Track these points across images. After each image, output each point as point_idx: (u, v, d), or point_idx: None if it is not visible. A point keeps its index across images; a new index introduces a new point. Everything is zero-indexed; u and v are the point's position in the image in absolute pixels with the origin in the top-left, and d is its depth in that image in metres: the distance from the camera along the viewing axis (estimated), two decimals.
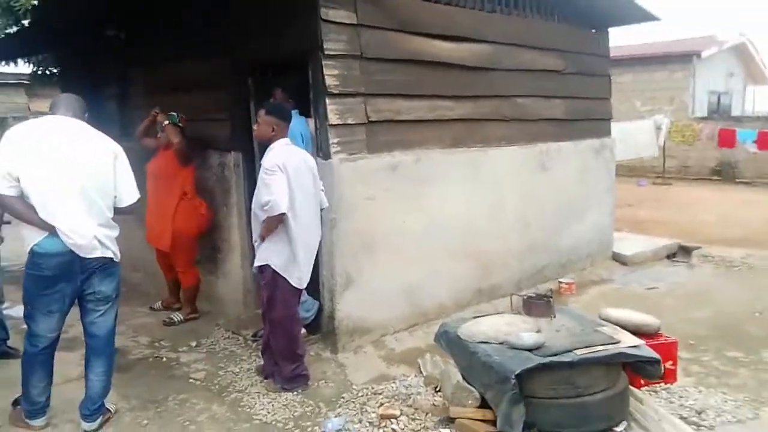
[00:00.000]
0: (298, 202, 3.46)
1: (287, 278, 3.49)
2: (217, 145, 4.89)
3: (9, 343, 3.97)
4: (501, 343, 3.10)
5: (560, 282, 5.56)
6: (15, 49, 7.81)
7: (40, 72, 10.47)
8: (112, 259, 2.97)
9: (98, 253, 2.87)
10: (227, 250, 4.96)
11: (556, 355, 2.91)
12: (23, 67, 11.86)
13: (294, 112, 4.06)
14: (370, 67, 4.16)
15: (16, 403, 3.12)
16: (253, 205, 3.60)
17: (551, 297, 3.57)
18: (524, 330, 3.14)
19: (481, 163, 5.06)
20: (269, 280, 3.52)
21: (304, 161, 3.61)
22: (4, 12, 4.05)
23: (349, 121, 4.09)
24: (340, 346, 4.11)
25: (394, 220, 4.37)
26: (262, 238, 3.51)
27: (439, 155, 4.70)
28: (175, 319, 4.78)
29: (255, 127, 3.62)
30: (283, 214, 3.34)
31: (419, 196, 4.54)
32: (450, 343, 3.40)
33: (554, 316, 3.39)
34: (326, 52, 3.89)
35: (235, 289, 4.95)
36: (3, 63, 11.55)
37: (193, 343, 4.32)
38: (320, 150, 4.07)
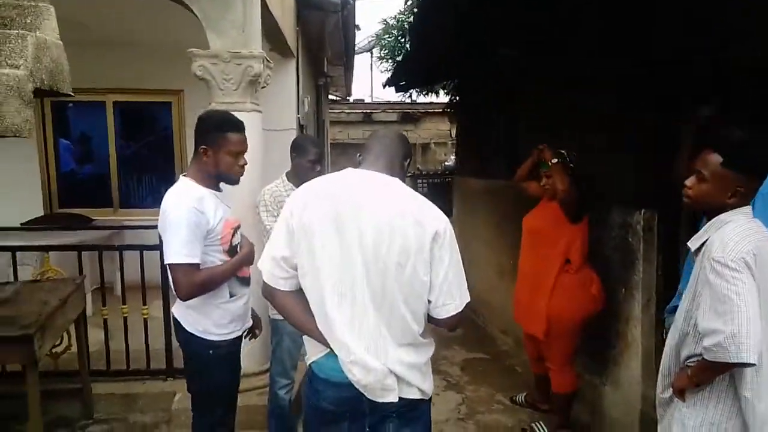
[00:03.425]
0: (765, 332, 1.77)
1: None
2: (618, 197, 3.35)
3: None
4: None
5: None
6: (420, 79, 7.85)
7: (453, 100, 10.76)
8: (418, 398, 1.83)
9: (392, 397, 1.76)
10: (622, 349, 3.36)
11: None
12: (443, 96, 12.73)
13: None
14: None
15: None
16: (678, 316, 1.99)
17: None
18: None
19: None
20: None
21: None
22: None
23: None
24: None
25: None
26: (680, 390, 1.90)
27: None
28: None
29: (689, 183, 1.96)
30: (747, 365, 1.71)
31: None
32: None
33: None
34: None
35: (629, 408, 3.31)
36: (425, 93, 12.46)
37: None
38: None
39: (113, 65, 5.63)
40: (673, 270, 3.16)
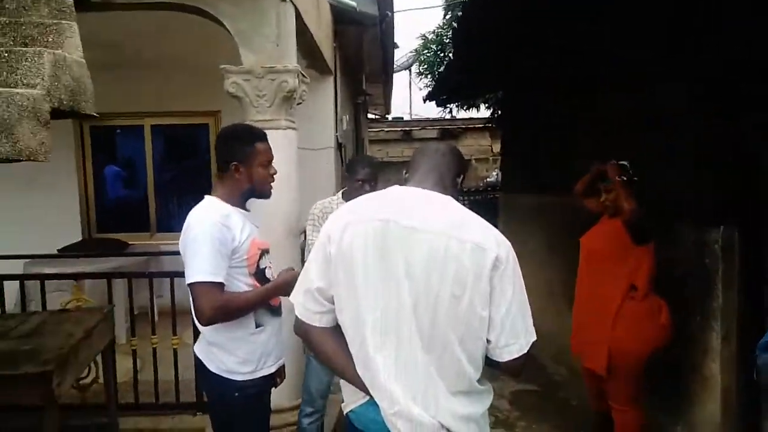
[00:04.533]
0: None
1: None
2: (690, 213, 3.00)
3: None
4: None
5: None
6: (463, 91, 7.61)
7: (495, 115, 10.45)
8: None
9: None
10: (698, 387, 2.99)
11: None
12: (484, 111, 12.44)
13: None
14: None
15: None
16: None
17: None
18: None
19: None
20: None
21: None
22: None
23: None
24: None
25: None
26: None
27: None
28: None
29: None
30: None
31: None
32: None
33: None
34: None
35: None
36: (465, 108, 12.20)
37: None
38: None
39: (149, 87, 5.57)
40: (757, 296, 2.80)
